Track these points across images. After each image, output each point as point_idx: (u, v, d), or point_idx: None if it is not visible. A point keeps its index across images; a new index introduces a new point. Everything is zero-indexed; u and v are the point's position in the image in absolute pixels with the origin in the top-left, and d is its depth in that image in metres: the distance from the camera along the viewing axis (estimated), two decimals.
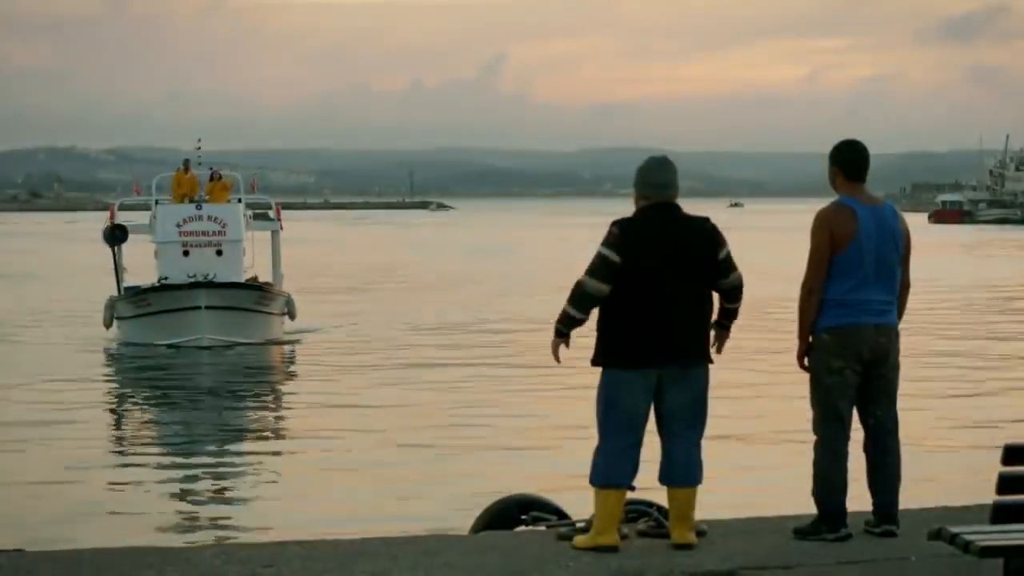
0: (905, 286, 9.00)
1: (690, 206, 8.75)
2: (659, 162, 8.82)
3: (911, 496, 9.39)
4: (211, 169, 42.21)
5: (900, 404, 9.00)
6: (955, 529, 7.04)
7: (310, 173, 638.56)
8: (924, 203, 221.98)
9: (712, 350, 8.81)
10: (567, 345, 8.75)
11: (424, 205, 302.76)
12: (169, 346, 36.40)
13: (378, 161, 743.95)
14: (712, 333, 8.82)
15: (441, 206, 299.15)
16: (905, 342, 9.01)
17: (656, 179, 8.73)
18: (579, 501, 9.58)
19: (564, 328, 8.72)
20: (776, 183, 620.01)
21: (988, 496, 7.34)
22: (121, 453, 22.25)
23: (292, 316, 39.47)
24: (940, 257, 78.64)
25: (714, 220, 8.70)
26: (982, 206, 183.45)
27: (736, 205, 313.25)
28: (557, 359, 8.75)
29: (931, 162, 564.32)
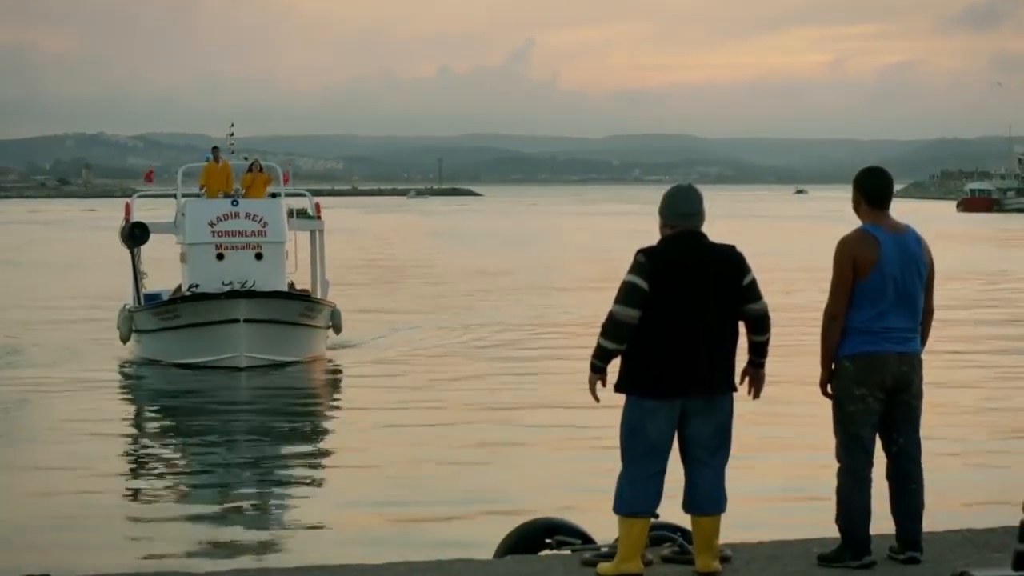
0: (929, 313, 8.97)
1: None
2: (685, 191, 8.75)
3: (935, 519, 9.36)
4: (245, 158, 37.55)
5: (924, 426, 8.98)
6: (978, 573, 7.04)
7: (338, 159, 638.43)
8: (953, 191, 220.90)
9: (749, 395, 8.77)
10: (603, 382, 8.61)
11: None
12: (197, 365, 32.28)
13: (407, 148, 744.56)
14: (747, 377, 8.77)
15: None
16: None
17: (683, 208, 8.66)
18: (604, 524, 9.53)
19: (600, 362, 8.58)
20: (804, 170, 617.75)
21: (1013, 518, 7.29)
22: (144, 477, 21.73)
23: (337, 330, 34.90)
24: None
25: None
26: (1011, 194, 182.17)
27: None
28: (595, 397, 8.60)
29: (959, 149, 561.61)
